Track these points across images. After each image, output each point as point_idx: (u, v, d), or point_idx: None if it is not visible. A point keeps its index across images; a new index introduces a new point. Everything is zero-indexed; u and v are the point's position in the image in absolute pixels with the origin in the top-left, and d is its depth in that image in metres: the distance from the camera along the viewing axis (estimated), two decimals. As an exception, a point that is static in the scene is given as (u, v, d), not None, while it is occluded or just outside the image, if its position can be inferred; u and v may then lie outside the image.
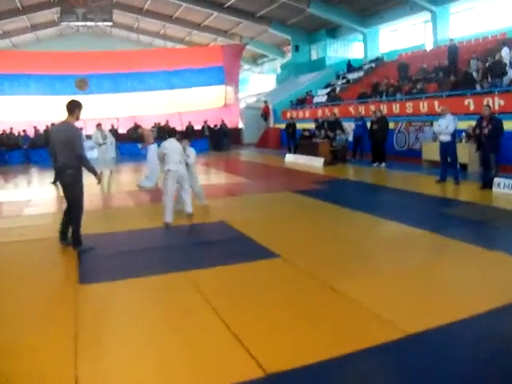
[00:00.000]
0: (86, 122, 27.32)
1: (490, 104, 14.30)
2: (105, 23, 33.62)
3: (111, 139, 17.21)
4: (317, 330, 4.33)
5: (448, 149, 12.46)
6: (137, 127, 14.28)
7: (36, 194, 13.63)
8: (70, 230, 7.24)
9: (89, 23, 33.30)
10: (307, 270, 5.99)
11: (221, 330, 4.40)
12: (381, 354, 3.87)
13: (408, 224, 8.14)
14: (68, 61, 29.72)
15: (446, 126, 12.34)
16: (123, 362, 3.91)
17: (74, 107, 7.03)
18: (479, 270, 5.81)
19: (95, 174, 7.09)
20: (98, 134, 16.89)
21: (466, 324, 4.31)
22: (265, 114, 30.27)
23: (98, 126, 17.23)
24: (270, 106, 31.44)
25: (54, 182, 13.86)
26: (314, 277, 5.74)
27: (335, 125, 19.68)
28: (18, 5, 32.92)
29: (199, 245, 7.53)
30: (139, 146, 14.21)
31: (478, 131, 11.59)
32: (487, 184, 11.26)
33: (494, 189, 11.03)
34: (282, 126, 28.28)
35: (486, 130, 11.18)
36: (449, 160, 12.59)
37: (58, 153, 6.95)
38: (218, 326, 4.47)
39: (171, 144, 8.80)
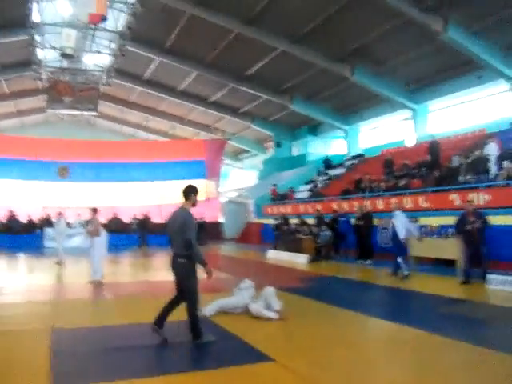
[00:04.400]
0: (66, 210, 27.08)
1: (476, 198, 14.24)
2: (90, 113, 33.93)
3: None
4: None
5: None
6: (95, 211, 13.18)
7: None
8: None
9: (75, 112, 33.56)
10: (306, 377, 5.26)
11: None
12: None
13: (405, 324, 7.53)
14: (51, 148, 30.18)
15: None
16: None
17: (189, 192, 6.73)
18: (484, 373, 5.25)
19: (204, 264, 6.58)
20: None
21: None
22: (275, 197, 29.87)
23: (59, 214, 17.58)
24: (252, 201, 31.28)
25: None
26: None
27: (320, 221, 19.43)
28: (6, 89, 33.37)
29: (183, 345, 6.69)
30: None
31: (468, 227, 11.41)
32: (483, 277, 11.11)
33: (487, 285, 10.71)
34: (264, 221, 27.94)
35: (477, 224, 11.18)
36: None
37: (172, 240, 6.73)
38: None
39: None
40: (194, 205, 6.78)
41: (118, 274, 15.47)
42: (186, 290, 6.65)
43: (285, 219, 22.26)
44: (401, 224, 13.09)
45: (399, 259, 12.96)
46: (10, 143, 30.22)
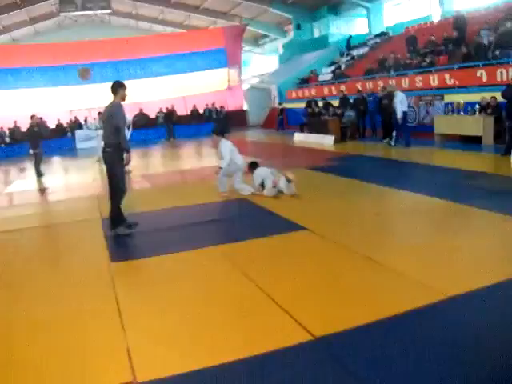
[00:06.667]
0: (91, 112, 27.62)
1: (505, 74, 14.24)
2: (103, 11, 33.23)
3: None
4: (357, 297, 4.35)
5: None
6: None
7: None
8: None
9: (88, 12, 32.90)
10: (338, 241, 6.01)
11: (261, 297, 4.43)
12: (423, 316, 3.88)
13: (429, 195, 8.09)
14: (69, 51, 29.68)
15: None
16: (168, 329, 3.97)
17: (117, 88, 7.05)
18: (505, 240, 5.73)
19: (127, 151, 6.99)
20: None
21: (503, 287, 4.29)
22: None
23: (99, 114, 17.75)
24: (275, 87, 31.19)
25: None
26: (345, 247, 5.75)
27: (344, 102, 19.63)
28: (17, -2, 32.44)
29: (227, 221, 7.60)
30: None
31: (506, 98, 11.80)
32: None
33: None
34: (288, 105, 28.08)
35: None
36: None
37: (103, 131, 7.23)
38: (257, 294, 4.51)
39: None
40: (123, 99, 7.11)
41: (151, 166, 16.27)
42: (111, 178, 7.08)
43: (314, 102, 22.35)
44: (399, 103, 14.89)
45: (394, 133, 15.46)
46: (29, 52, 29.60)
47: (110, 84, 7.09)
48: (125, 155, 6.99)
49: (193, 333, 3.88)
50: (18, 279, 5.54)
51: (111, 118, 6.86)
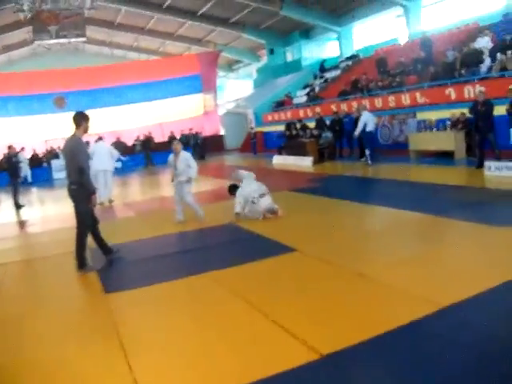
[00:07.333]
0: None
1: (472, 91, 14.85)
2: (78, 39, 33.23)
3: None
4: (356, 313, 4.45)
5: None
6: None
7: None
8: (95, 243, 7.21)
9: (62, 40, 32.78)
10: (328, 260, 6.16)
11: (259, 320, 4.50)
12: (423, 328, 4.03)
13: (410, 209, 8.37)
14: (44, 80, 29.58)
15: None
16: (172, 358, 3.96)
17: (80, 120, 6.69)
18: (487, 247, 6.02)
19: (92, 193, 6.74)
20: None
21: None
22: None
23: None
24: (251, 111, 31.63)
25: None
26: (337, 265, 5.90)
27: (320, 123, 20.07)
28: (-11, 27, 32.39)
29: (215, 247, 7.67)
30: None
31: (473, 114, 12.39)
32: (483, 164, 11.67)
33: (486, 172, 11.31)
34: (265, 129, 28.55)
35: (483, 109, 11.90)
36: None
37: (66, 168, 6.85)
38: (255, 317, 4.57)
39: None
40: (85, 131, 6.77)
41: (133, 194, 16.48)
42: (77, 216, 6.78)
43: (293, 124, 22.73)
44: (361, 122, 15.92)
45: (367, 151, 16.00)
46: (2, 80, 29.41)
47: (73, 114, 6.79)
48: (91, 196, 6.75)
49: (198, 360, 3.91)
50: (10, 317, 5.39)
51: (73, 157, 6.58)
